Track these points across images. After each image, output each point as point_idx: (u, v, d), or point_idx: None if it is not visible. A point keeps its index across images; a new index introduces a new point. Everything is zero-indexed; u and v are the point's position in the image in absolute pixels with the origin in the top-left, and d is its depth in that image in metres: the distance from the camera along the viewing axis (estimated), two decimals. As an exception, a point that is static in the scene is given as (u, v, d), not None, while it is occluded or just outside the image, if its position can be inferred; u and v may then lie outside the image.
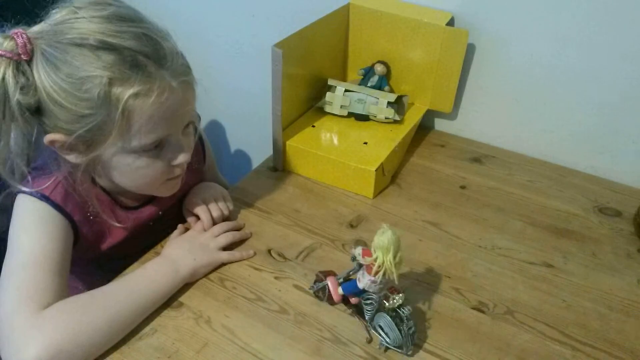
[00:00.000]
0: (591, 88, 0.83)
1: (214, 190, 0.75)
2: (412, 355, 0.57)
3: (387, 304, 0.55)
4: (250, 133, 1.27)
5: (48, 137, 0.57)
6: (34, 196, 0.61)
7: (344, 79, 0.99)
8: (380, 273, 0.52)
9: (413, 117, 0.91)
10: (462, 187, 0.84)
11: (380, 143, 0.83)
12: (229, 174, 1.03)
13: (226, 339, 0.58)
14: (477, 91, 0.93)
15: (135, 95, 0.53)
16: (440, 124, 0.99)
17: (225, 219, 0.73)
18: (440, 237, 0.73)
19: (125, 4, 0.58)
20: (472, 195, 0.82)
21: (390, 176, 0.84)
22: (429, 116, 0.97)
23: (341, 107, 0.89)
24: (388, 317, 0.55)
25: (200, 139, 0.79)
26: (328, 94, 0.90)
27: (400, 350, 0.56)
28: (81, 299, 0.56)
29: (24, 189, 0.61)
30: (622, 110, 0.83)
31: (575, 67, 0.83)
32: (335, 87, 0.89)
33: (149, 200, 0.72)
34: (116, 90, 0.53)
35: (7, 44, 0.53)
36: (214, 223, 0.72)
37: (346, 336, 0.59)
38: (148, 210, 0.72)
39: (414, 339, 0.56)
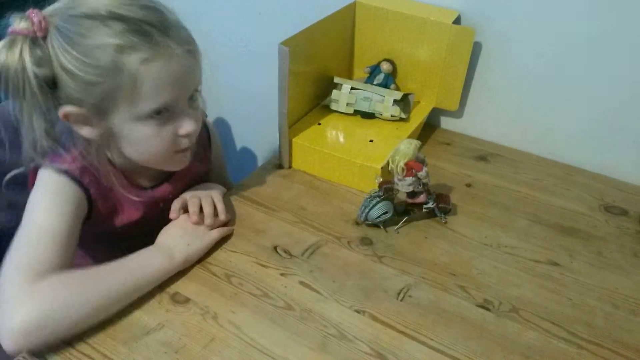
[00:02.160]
0: (597, 86, 0.83)
1: (214, 191, 0.75)
2: (418, 351, 0.57)
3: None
4: (255, 131, 1.27)
5: (62, 110, 0.60)
6: (53, 170, 0.64)
7: (350, 77, 0.99)
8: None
9: (419, 115, 0.91)
10: (468, 185, 0.84)
11: (386, 141, 0.84)
12: (235, 172, 1.03)
13: (232, 335, 0.58)
14: (482, 89, 0.93)
15: (142, 60, 0.57)
16: (445, 122, 0.99)
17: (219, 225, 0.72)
18: (445, 235, 0.74)
19: None
20: (477, 193, 0.82)
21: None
22: (435, 114, 0.97)
23: (347, 104, 0.90)
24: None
25: (206, 128, 0.80)
26: (334, 91, 0.90)
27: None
28: (76, 273, 0.59)
29: (43, 163, 0.64)
30: (628, 109, 0.82)
31: (581, 66, 0.82)
32: (342, 85, 0.89)
33: (162, 181, 0.74)
34: (124, 57, 0.56)
35: (23, 24, 0.57)
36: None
37: (352, 332, 0.59)
38: (161, 191, 0.74)
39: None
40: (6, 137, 0.72)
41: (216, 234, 0.70)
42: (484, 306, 0.63)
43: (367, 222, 0.73)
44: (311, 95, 0.90)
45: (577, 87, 0.85)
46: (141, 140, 0.63)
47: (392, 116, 0.88)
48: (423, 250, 0.71)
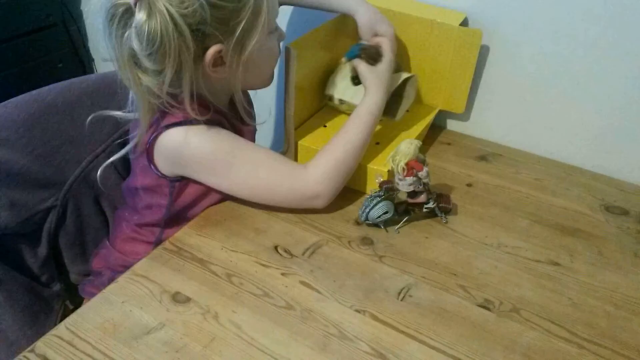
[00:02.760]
0: (599, 87, 0.83)
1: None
2: (417, 350, 0.57)
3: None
4: (259, 131, 1.27)
5: (210, 51, 0.62)
6: (181, 125, 0.66)
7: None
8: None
9: (425, 118, 0.91)
10: (469, 185, 0.84)
11: (393, 143, 0.83)
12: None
13: (233, 334, 0.58)
14: (484, 90, 0.93)
15: None
16: (446, 122, 0.99)
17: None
18: (446, 235, 0.74)
19: None
20: (478, 193, 0.82)
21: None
22: (439, 115, 0.97)
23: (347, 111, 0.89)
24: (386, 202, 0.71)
25: None
26: (329, 102, 0.88)
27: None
28: (326, 149, 0.72)
29: (165, 124, 0.66)
30: (629, 109, 0.82)
31: (584, 67, 0.83)
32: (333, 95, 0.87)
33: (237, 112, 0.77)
34: None
35: None
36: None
37: (352, 332, 0.59)
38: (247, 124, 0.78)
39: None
40: (9, 136, 0.72)
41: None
42: (485, 306, 0.63)
43: (367, 222, 0.73)
44: (317, 97, 0.90)
45: (579, 88, 0.85)
46: (268, 57, 0.70)
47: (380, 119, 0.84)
48: (424, 250, 0.71)
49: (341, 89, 0.85)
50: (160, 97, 0.63)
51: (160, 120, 0.67)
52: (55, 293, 0.82)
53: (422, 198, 0.72)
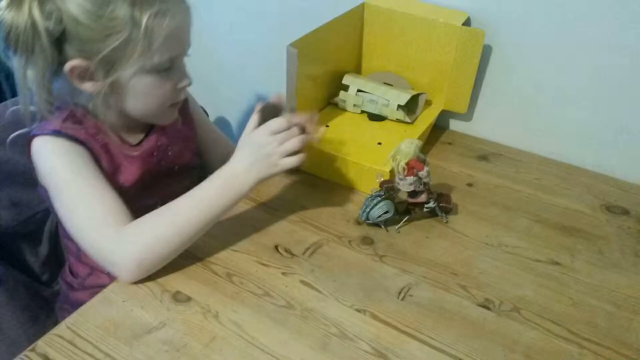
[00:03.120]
0: (600, 87, 0.83)
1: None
2: (417, 350, 0.57)
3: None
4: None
5: (69, 64, 0.61)
6: (47, 134, 0.65)
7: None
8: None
9: (428, 118, 0.91)
10: (469, 185, 0.84)
11: (395, 143, 0.82)
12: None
13: (234, 334, 0.58)
14: (486, 89, 0.93)
15: (155, 14, 0.60)
16: (446, 122, 0.99)
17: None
18: (446, 234, 0.74)
19: None
20: (479, 192, 0.82)
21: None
22: (441, 114, 0.97)
23: (354, 105, 0.90)
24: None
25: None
26: (342, 92, 0.90)
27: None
28: (152, 217, 0.63)
29: (36, 131, 0.65)
30: (630, 109, 0.82)
31: (585, 66, 0.83)
32: (349, 86, 0.89)
33: (147, 135, 0.74)
34: (138, 10, 0.59)
35: None
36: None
37: (352, 332, 0.59)
38: (150, 142, 0.74)
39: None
40: (7, 136, 0.72)
41: (288, 161, 0.65)
42: (485, 305, 0.63)
43: (368, 221, 0.73)
44: (319, 97, 0.90)
45: (579, 88, 0.85)
46: (145, 93, 0.65)
47: (397, 119, 0.88)
48: (424, 249, 0.71)
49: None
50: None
51: (37, 127, 0.66)
52: (56, 292, 0.82)
53: (422, 198, 0.72)
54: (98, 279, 0.73)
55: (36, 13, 0.57)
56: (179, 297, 0.62)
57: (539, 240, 0.73)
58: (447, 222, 0.75)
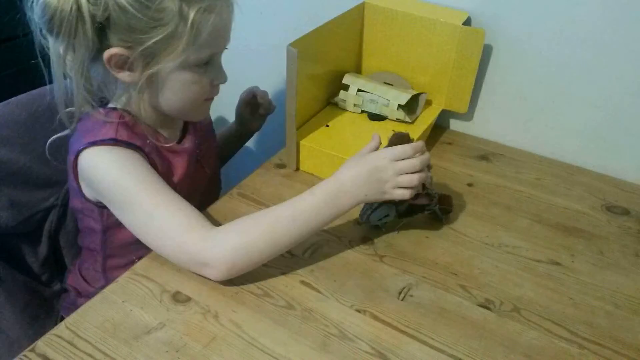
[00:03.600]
0: (600, 87, 0.83)
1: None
2: (417, 349, 0.57)
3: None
4: (260, 131, 1.27)
5: (109, 52, 0.60)
6: (104, 144, 0.63)
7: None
8: None
9: (428, 118, 0.91)
10: (470, 185, 0.84)
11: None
12: (236, 171, 1.03)
13: (233, 334, 0.58)
14: (486, 89, 0.92)
15: (204, 9, 0.59)
16: (447, 122, 0.99)
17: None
18: (447, 235, 0.74)
19: None
20: (479, 192, 0.82)
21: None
22: (441, 114, 0.97)
23: (354, 105, 0.90)
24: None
25: None
26: (342, 92, 0.90)
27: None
28: (248, 220, 0.61)
29: (81, 143, 0.63)
30: (631, 109, 0.82)
31: (585, 66, 0.82)
32: (349, 86, 0.89)
33: (184, 134, 0.75)
34: (187, 4, 0.58)
35: None
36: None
37: (352, 332, 0.59)
38: (190, 140, 0.75)
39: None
40: (10, 136, 0.72)
41: (399, 192, 0.62)
42: (485, 306, 0.63)
43: (368, 223, 0.73)
44: (319, 97, 0.90)
45: (580, 88, 0.84)
46: (182, 88, 0.64)
47: (397, 119, 0.88)
48: (424, 249, 0.71)
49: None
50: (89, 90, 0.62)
51: (84, 136, 0.64)
52: (56, 292, 0.82)
53: (423, 200, 0.71)
54: None
55: None
56: (178, 298, 0.62)
57: (539, 240, 0.73)
58: (446, 223, 0.75)
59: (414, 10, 0.88)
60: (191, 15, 0.58)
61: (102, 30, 0.59)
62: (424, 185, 0.69)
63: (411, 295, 0.64)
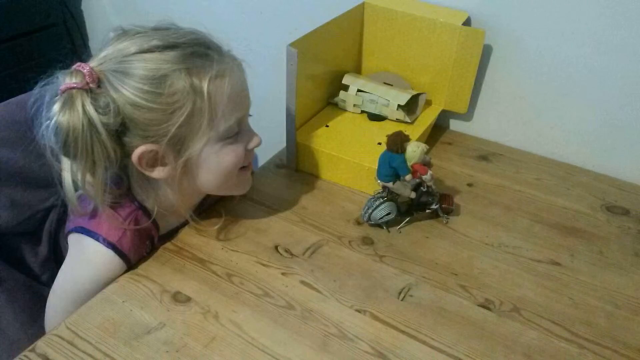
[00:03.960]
0: (600, 87, 0.83)
1: None
2: (417, 350, 0.57)
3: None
4: (257, 130, 1.28)
5: (137, 153, 0.57)
6: (101, 243, 0.62)
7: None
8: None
9: (428, 118, 0.91)
10: (469, 185, 0.84)
11: None
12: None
13: (233, 334, 0.58)
14: (486, 89, 0.92)
15: (214, 77, 0.57)
16: (447, 122, 0.99)
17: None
18: (446, 234, 0.74)
19: None
20: (479, 192, 0.82)
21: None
22: (441, 115, 0.97)
23: (354, 105, 0.90)
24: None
25: None
26: (342, 92, 0.90)
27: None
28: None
29: (86, 228, 0.62)
30: (630, 109, 0.82)
31: (585, 66, 0.82)
32: (349, 86, 0.89)
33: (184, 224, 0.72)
34: (196, 78, 0.57)
35: (74, 78, 0.55)
36: None
37: (352, 332, 0.59)
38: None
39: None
40: (10, 136, 0.72)
41: None
42: (485, 306, 0.63)
43: (369, 222, 0.73)
44: (319, 97, 0.90)
45: (580, 88, 0.84)
46: (220, 162, 0.62)
47: (397, 119, 0.88)
48: (424, 249, 0.71)
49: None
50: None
51: (90, 220, 0.63)
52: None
53: (424, 198, 0.72)
54: None
55: (91, 110, 0.54)
56: (178, 298, 0.62)
57: (539, 240, 0.73)
58: (447, 222, 0.75)
59: (414, 10, 0.88)
60: (205, 86, 0.56)
61: (121, 136, 0.57)
62: (425, 184, 0.70)
63: (411, 295, 0.64)
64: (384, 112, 0.89)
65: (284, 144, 0.84)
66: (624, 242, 0.74)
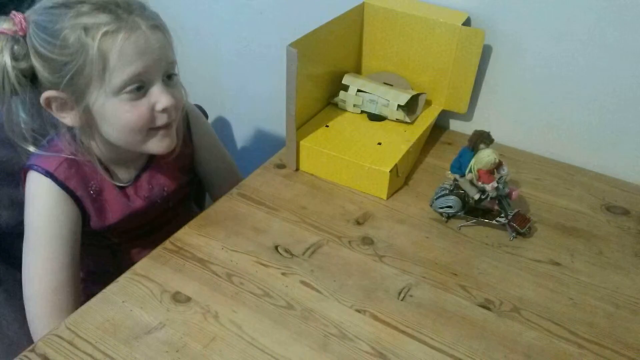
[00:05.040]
0: (600, 87, 0.83)
1: None
2: (419, 350, 0.57)
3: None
4: (257, 130, 1.28)
5: (43, 96, 0.63)
6: (39, 172, 0.67)
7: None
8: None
9: (428, 118, 0.91)
10: (469, 185, 0.84)
11: (395, 144, 0.83)
12: (237, 171, 1.04)
13: (233, 334, 0.58)
14: (486, 90, 0.92)
15: (105, 33, 0.60)
16: (446, 122, 0.99)
17: None
18: (446, 235, 0.74)
19: None
20: (479, 193, 0.82)
21: (404, 177, 0.84)
22: (441, 115, 0.97)
23: (354, 105, 0.90)
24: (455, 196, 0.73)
25: (187, 121, 0.82)
26: (341, 92, 0.90)
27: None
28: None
29: (30, 163, 0.68)
30: (631, 109, 0.82)
31: (585, 66, 0.82)
32: (349, 86, 0.89)
33: (141, 172, 0.76)
34: (90, 33, 0.60)
35: (6, 24, 0.62)
36: None
37: (352, 332, 0.59)
38: (140, 184, 0.76)
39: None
40: (8, 136, 0.72)
41: None
42: (485, 306, 0.63)
43: (432, 207, 0.75)
44: (319, 97, 0.90)
45: (580, 87, 0.84)
46: (118, 117, 0.64)
47: (397, 119, 0.88)
48: (424, 249, 0.71)
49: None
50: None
51: (37, 156, 0.69)
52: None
53: (490, 205, 0.72)
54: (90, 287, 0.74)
55: (6, 54, 0.61)
56: (178, 298, 0.62)
57: (539, 240, 0.73)
58: (512, 240, 0.73)
59: (414, 10, 0.88)
60: (95, 42, 0.60)
61: (30, 82, 0.63)
62: (499, 199, 0.71)
63: (411, 295, 0.64)
64: (384, 112, 0.89)
65: (284, 144, 0.84)
66: (623, 242, 0.74)
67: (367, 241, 0.72)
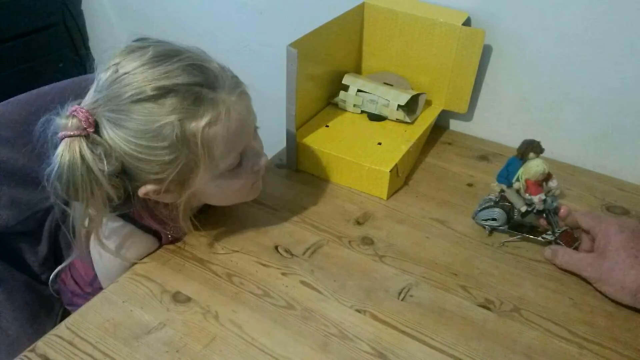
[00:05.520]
0: (600, 87, 0.83)
1: None
2: (419, 352, 0.57)
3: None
4: (261, 132, 1.28)
5: (142, 191, 0.60)
6: (126, 222, 0.66)
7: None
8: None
9: (428, 118, 0.91)
10: (470, 185, 0.84)
11: (395, 144, 0.83)
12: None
13: (233, 334, 0.58)
14: (486, 89, 0.92)
15: (208, 125, 0.56)
16: (446, 122, 0.99)
17: None
18: (446, 235, 0.74)
19: (157, 39, 0.60)
20: (479, 192, 0.82)
21: (404, 177, 0.84)
22: (441, 115, 0.97)
23: (354, 105, 0.90)
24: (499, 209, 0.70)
25: None
26: (342, 92, 0.90)
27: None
28: None
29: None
30: (631, 109, 0.82)
31: (586, 66, 0.82)
32: (349, 86, 0.89)
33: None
34: (189, 127, 0.56)
35: (71, 123, 0.55)
36: None
37: (353, 332, 0.59)
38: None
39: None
40: (10, 135, 0.72)
41: None
42: (485, 306, 0.63)
43: (474, 220, 0.72)
44: (319, 97, 0.90)
45: (580, 87, 0.84)
46: (223, 190, 0.65)
47: (397, 119, 0.88)
48: (424, 249, 0.71)
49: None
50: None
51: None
52: (56, 292, 0.82)
53: (542, 222, 0.69)
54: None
55: (89, 158, 0.55)
56: (178, 298, 0.62)
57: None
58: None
59: (414, 10, 0.88)
60: (198, 135, 0.56)
61: (123, 178, 0.58)
62: (546, 213, 0.68)
63: (411, 295, 0.64)
64: (384, 112, 0.89)
65: (284, 144, 0.84)
66: (624, 242, 0.73)
67: (367, 241, 0.72)
